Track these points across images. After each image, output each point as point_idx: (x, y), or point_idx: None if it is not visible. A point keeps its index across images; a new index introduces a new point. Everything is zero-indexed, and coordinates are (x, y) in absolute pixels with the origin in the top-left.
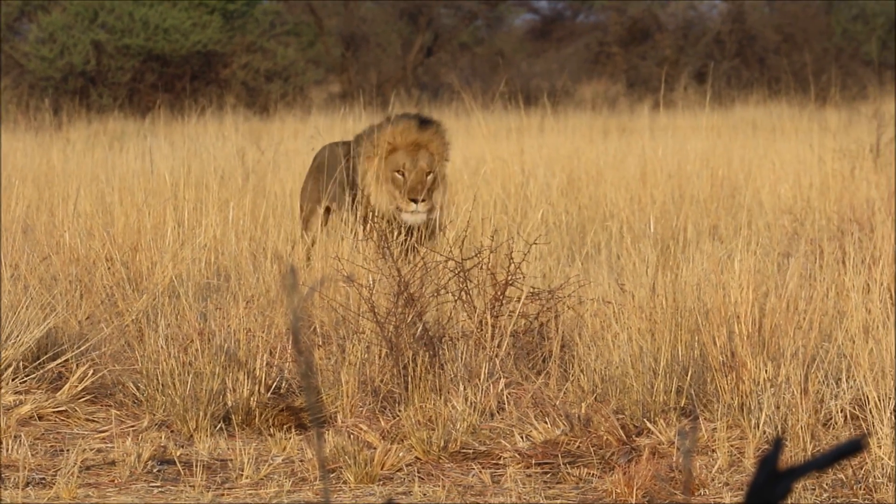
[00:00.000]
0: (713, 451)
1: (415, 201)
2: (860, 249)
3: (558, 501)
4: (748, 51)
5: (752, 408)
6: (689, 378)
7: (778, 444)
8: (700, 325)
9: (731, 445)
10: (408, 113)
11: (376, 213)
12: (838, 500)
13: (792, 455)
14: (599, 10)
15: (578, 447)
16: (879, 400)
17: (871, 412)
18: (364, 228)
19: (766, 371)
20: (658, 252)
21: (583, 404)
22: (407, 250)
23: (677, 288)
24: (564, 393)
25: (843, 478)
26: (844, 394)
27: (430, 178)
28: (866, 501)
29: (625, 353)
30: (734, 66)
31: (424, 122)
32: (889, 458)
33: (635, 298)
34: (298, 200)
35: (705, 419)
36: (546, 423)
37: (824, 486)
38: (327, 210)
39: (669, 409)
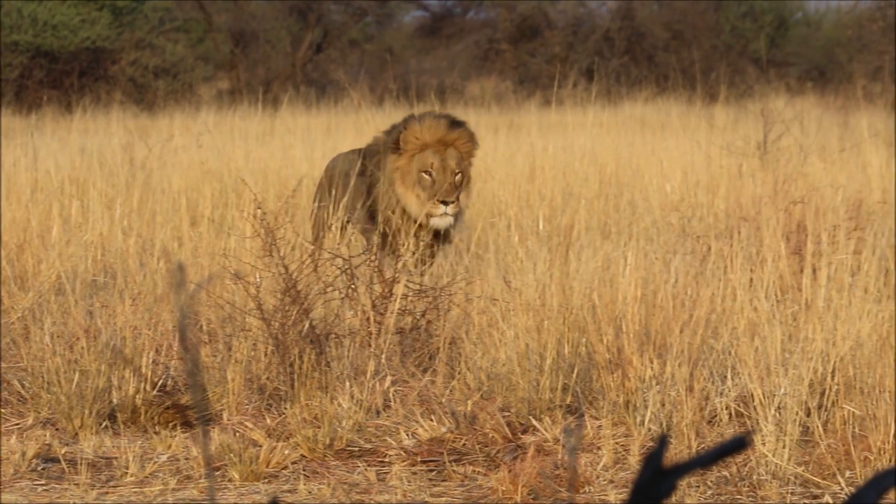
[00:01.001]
0: (598, 448)
1: (444, 203)
2: (747, 247)
3: (443, 499)
4: (637, 48)
5: (638, 405)
6: (575, 376)
7: (663, 442)
8: (587, 322)
9: (617, 443)
10: (432, 111)
11: (404, 218)
12: (722, 498)
13: (677, 452)
14: (489, 7)
15: (464, 445)
16: (764, 397)
17: (755, 409)
18: (385, 238)
19: (651, 369)
20: (546, 250)
21: (469, 402)
22: (423, 258)
23: (565, 285)
24: (451, 390)
25: (728, 475)
26: (729, 391)
27: (458, 178)
28: (750, 499)
29: (511, 351)
30: (623, 64)
31: (453, 121)
32: (773, 456)
33: (522, 296)
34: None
35: (591, 417)
36: (432, 420)
37: (709, 483)
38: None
39: (555, 406)
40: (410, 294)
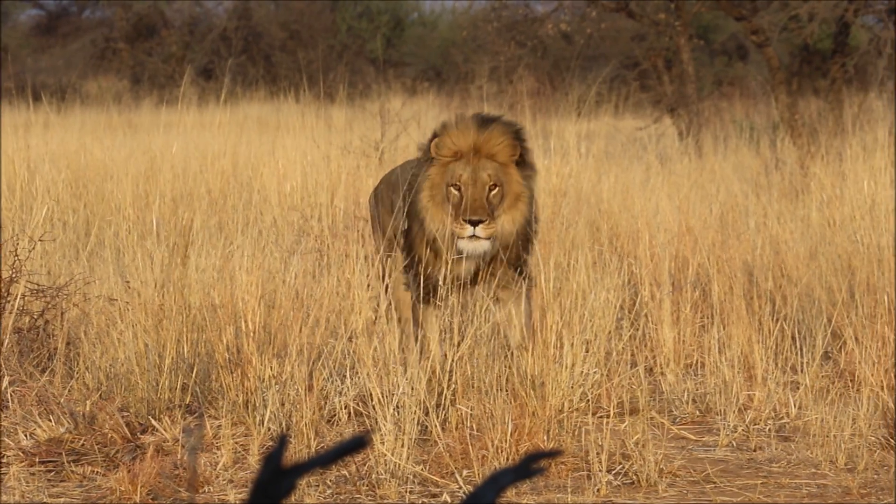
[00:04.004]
0: (218, 448)
1: (471, 223)
2: (364, 246)
3: (62, 500)
4: (254, 48)
5: (258, 405)
6: (194, 375)
7: (282, 441)
8: (207, 321)
9: (236, 442)
10: (466, 113)
11: (430, 240)
12: (342, 497)
13: (297, 452)
14: (105, 6)
15: (83, 445)
16: (383, 396)
17: (374, 408)
18: (411, 259)
19: (271, 368)
20: (165, 249)
21: (88, 402)
22: (462, 287)
23: (184, 285)
24: (69, 391)
25: (347, 474)
26: (349, 390)
27: (494, 193)
28: (370, 497)
29: (130, 351)
30: (240, 64)
31: (485, 121)
32: (392, 455)
33: (141, 296)
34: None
35: (210, 416)
36: (50, 421)
37: (328, 482)
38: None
39: (175, 406)
40: (28, 294)
